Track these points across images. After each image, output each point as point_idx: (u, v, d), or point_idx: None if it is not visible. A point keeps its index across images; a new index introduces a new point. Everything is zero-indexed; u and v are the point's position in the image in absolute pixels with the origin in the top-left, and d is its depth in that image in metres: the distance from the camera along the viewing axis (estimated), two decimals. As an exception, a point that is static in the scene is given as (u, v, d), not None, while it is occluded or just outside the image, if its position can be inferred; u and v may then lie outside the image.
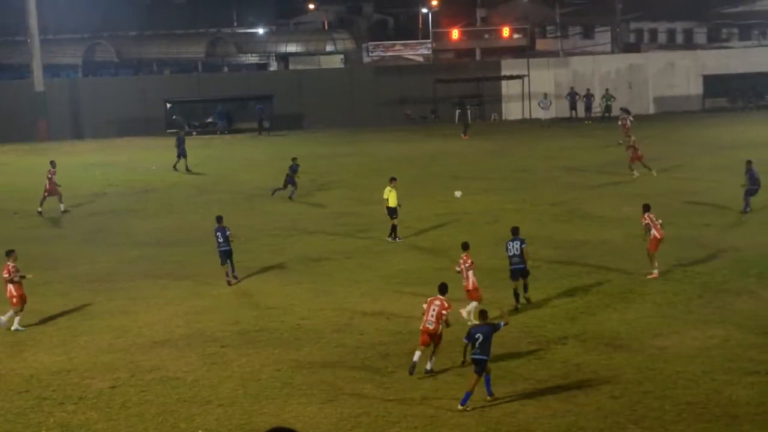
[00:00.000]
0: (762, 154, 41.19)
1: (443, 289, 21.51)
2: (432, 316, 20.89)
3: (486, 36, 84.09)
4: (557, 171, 45.62)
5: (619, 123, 54.45)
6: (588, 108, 66.06)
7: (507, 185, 42.54)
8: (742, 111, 67.27)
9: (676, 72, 71.32)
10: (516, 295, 25.46)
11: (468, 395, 18.94)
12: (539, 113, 68.42)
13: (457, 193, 40.22)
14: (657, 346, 22.21)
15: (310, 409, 19.29)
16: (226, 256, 28.83)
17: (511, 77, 70.07)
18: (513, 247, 25.59)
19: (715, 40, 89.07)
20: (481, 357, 19.11)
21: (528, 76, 69.43)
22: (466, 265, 24.33)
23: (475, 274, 24.44)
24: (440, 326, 20.91)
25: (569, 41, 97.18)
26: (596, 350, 22.07)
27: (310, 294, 27.47)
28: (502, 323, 19.87)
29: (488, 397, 19.40)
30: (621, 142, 51.46)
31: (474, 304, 23.99)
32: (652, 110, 69.87)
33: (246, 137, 64.69)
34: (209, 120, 67.82)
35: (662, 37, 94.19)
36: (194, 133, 64.64)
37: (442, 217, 36.67)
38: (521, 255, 25.45)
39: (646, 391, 19.59)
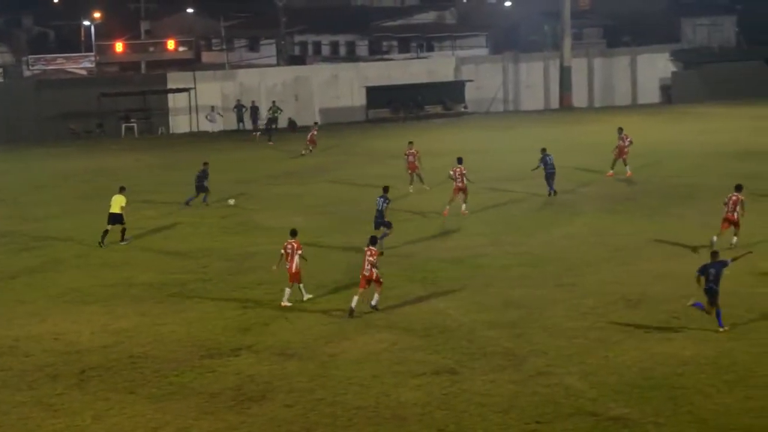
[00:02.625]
0: (424, 162, 42.69)
1: (373, 241, 25.81)
2: (367, 264, 24.93)
3: (151, 49, 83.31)
4: (228, 184, 45.49)
5: (309, 136, 55.18)
6: (255, 120, 66.55)
7: (181, 199, 41.81)
8: (404, 121, 69.64)
9: (340, 84, 73.03)
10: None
11: (718, 316, 22.77)
12: (207, 126, 68.29)
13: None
14: (328, 353, 22.62)
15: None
16: None
17: (178, 90, 69.44)
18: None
19: (376, 52, 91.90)
20: (714, 287, 22.70)
21: (195, 89, 69.05)
22: (295, 250, 26.12)
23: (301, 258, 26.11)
24: (374, 271, 24.92)
25: (235, 54, 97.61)
26: (269, 360, 22.23)
27: (-29, 318, 26.21)
28: (730, 260, 23.43)
29: (720, 329, 22.67)
30: (304, 152, 53.19)
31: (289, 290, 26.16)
32: (319, 122, 71.25)
33: None
34: None
35: (326, 50, 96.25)
36: None
37: (114, 234, 35.73)
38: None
39: (319, 399, 19.90)
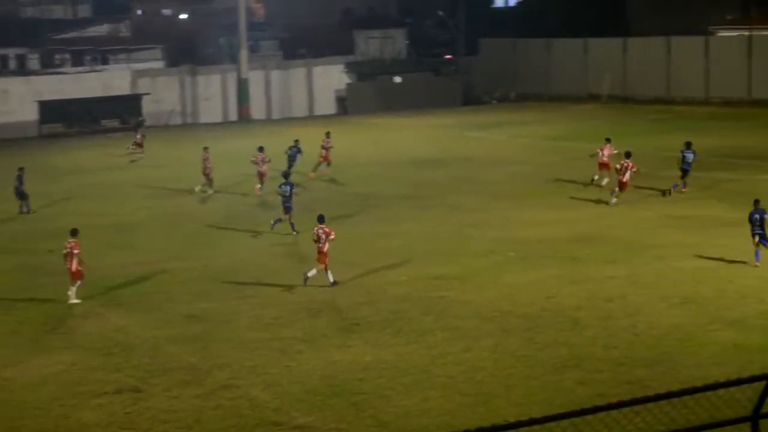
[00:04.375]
0: (93, 179, 41.81)
1: (321, 219, 28.40)
2: (322, 239, 27.64)
3: None
4: None
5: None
6: None
7: None
8: (79, 135, 67.84)
9: (11, 98, 70.28)
10: None
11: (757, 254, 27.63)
12: None
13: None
14: (4, 377, 21.74)
15: None
16: None
17: None
18: None
19: (49, 65, 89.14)
20: (762, 232, 27.66)
21: None
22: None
23: None
24: (326, 245, 27.58)
25: None
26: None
27: None
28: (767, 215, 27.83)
29: (757, 263, 27.51)
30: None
31: None
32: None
33: None
34: None
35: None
36: None
37: None
38: None
39: (-7, 426, 19.12)
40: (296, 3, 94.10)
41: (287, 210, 34.91)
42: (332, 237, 27.93)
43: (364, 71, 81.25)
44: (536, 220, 35.64)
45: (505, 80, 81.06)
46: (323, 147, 46.46)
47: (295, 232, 34.35)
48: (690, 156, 39.62)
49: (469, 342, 22.93)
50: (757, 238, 27.94)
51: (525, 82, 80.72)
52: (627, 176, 37.26)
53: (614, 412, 9.74)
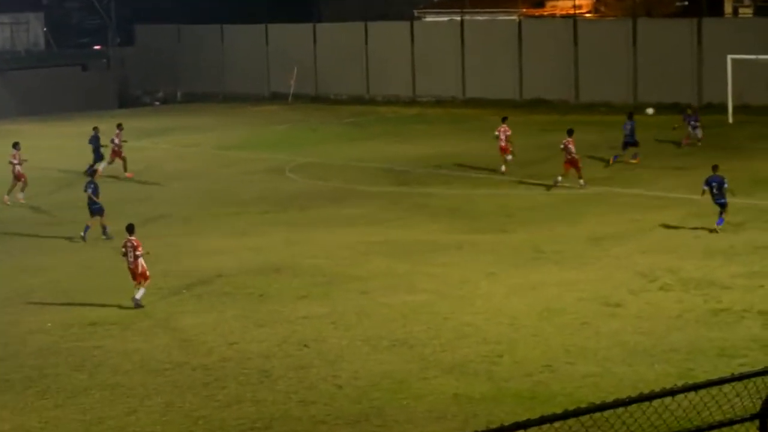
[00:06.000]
0: None
1: (130, 229, 29.89)
2: (130, 255, 29.14)
3: None
4: None
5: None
6: None
7: None
8: None
9: None
10: None
11: (721, 220, 34.66)
12: None
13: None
14: None
15: None
16: None
17: None
18: None
19: None
20: (721, 201, 34.69)
21: None
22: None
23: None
24: (138, 261, 28.93)
25: None
26: None
27: None
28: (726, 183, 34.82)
29: (717, 227, 34.47)
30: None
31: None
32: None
33: None
34: None
35: None
36: None
37: None
38: None
39: None
40: None
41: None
42: (140, 252, 29.31)
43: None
44: (213, 248, 35.68)
45: (169, 77, 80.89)
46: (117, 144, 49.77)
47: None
48: (628, 126, 47.59)
49: (134, 402, 22.70)
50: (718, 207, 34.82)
51: (194, 79, 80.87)
52: (571, 157, 42.41)
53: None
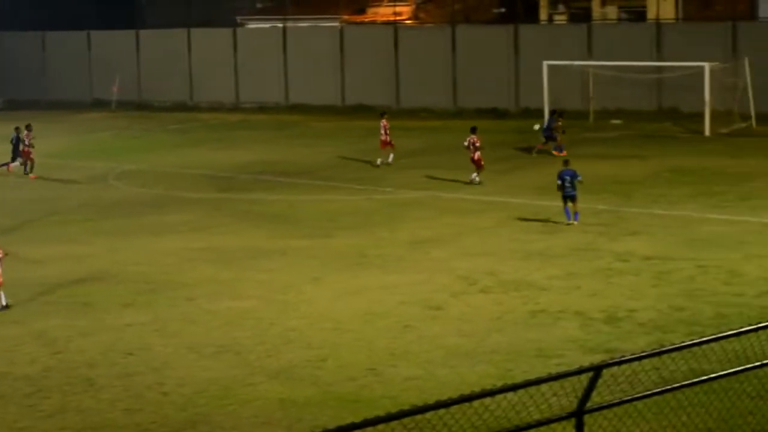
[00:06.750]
0: None
1: None
2: None
3: None
4: None
5: None
6: None
7: None
8: None
9: None
10: None
11: (576, 215, 36.28)
12: None
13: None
14: None
15: None
16: None
17: None
18: None
19: None
20: (572, 193, 36.36)
21: None
22: None
23: None
24: None
25: None
26: None
27: None
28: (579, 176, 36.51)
29: (568, 222, 36.16)
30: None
31: None
32: None
33: None
34: None
35: None
36: None
37: None
38: None
39: None
40: None
41: None
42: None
43: None
44: (36, 257, 35.13)
45: (-11, 84, 79.51)
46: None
47: None
48: (545, 123, 52.08)
49: (-47, 416, 22.26)
50: (568, 201, 36.38)
51: (16, 85, 79.53)
52: (477, 154, 43.87)
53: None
